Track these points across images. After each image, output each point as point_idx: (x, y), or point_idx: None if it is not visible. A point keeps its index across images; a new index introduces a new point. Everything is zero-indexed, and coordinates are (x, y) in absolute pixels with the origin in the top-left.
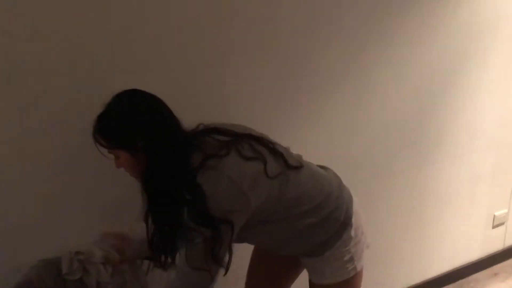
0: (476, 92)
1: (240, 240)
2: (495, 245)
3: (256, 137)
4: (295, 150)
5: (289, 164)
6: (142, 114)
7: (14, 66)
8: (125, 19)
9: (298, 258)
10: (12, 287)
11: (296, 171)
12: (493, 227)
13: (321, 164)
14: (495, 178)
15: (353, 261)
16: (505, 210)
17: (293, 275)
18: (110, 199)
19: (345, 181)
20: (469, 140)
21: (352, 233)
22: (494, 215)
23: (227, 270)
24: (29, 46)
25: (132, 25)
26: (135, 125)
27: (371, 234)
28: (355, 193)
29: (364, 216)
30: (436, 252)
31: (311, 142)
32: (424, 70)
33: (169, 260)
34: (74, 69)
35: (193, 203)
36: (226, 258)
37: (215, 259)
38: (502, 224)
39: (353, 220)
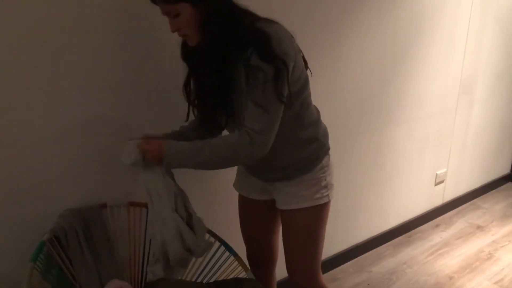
0: (424, 66)
1: None
2: (437, 200)
3: None
4: None
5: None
6: None
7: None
8: None
9: (276, 188)
10: (47, 233)
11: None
12: (435, 184)
13: None
14: (438, 140)
15: (327, 189)
16: (445, 170)
17: (277, 221)
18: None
19: None
20: (418, 107)
21: (330, 161)
22: (436, 174)
23: (291, 104)
24: None
25: None
26: None
27: (338, 189)
28: None
29: None
30: (391, 207)
31: None
32: (383, 46)
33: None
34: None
35: (258, 41)
36: (286, 92)
37: (278, 94)
38: (442, 182)
39: (330, 152)
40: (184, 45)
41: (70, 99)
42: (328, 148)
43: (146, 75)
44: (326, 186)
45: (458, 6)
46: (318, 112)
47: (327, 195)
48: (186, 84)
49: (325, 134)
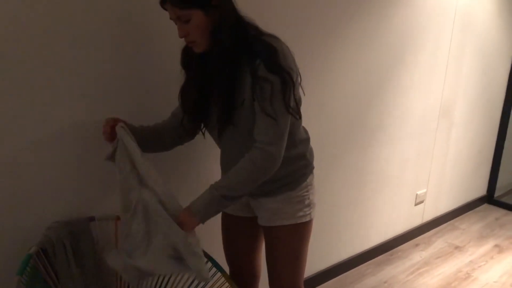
0: (406, 89)
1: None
2: (417, 220)
3: None
4: None
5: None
6: None
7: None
8: None
9: (260, 204)
10: (35, 245)
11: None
12: (415, 204)
13: None
14: (418, 161)
15: (310, 207)
16: (425, 190)
17: (260, 238)
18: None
19: None
20: (400, 129)
21: (313, 180)
22: (416, 194)
23: (297, 116)
24: None
25: None
26: None
27: (322, 207)
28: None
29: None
30: (373, 226)
31: None
32: (368, 68)
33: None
34: None
35: (265, 53)
36: (292, 103)
37: (285, 105)
38: (422, 202)
39: (314, 171)
40: (186, 52)
41: (52, 107)
42: (313, 167)
43: (138, 82)
44: (309, 205)
45: (439, 33)
46: (306, 131)
47: (310, 214)
48: (184, 91)
49: (312, 153)
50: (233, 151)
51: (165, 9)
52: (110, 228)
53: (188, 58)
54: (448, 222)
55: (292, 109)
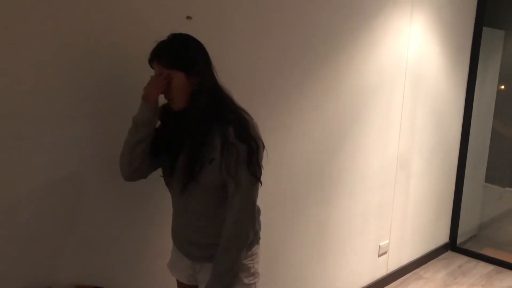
0: (364, 144)
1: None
2: (381, 271)
3: None
4: None
5: None
6: (199, 45)
7: None
8: None
9: (204, 269)
10: None
11: None
12: (379, 255)
13: None
14: (379, 213)
15: (255, 277)
16: (387, 241)
17: None
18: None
19: (265, 214)
20: (360, 182)
21: (259, 250)
22: (379, 245)
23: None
24: None
25: None
26: (195, 50)
27: (284, 262)
28: (270, 226)
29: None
30: (337, 279)
31: None
32: (326, 127)
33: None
34: None
35: (237, 122)
36: (257, 169)
37: (250, 170)
38: (385, 253)
39: (260, 242)
40: (165, 108)
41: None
42: (259, 238)
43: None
44: (254, 274)
45: (391, 92)
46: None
47: (254, 283)
48: (156, 140)
49: (260, 223)
50: (189, 207)
51: (152, 67)
52: None
53: (166, 114)
54: (413, 272)
55: (258, 174)
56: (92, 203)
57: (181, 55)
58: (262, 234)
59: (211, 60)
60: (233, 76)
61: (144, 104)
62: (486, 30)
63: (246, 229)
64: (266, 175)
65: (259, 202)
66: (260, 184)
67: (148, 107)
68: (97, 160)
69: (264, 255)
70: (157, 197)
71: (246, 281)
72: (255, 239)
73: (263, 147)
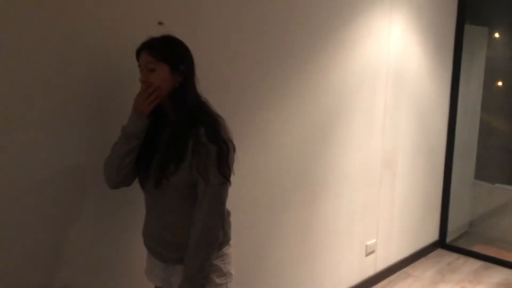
0: (346, 144)
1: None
2: (369, 271)
3: None
4: None
5: None
6: (189, 50)
7: None
8: None
9: (177, 272)
10: None
11: None
12: (366, 255)
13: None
14: (365, 212)
15: (226, 277)
16: (374, 240)
17: None
18: None
19: (247, 217)
20: (344, 182)
21: (230, 251)
22: (366, 245)
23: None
24: None
25: None
26: (183, 50)
27: (270, 265)
28: (256, 227)
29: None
30: (324, 280)
31: None
32: (308, 128)
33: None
34: None
35: (209, 124)
36: (227, 170)
37: (220, 170)
38: (373, 252)
39: (231, 243)
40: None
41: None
42: (229, 239)
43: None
44: (225, 274)
45: (373, 91)
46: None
47: (226, 283)
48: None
49: (229, 224)
50: (160, 204)
51: (138, 58)
52: None
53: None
54: (402, 270)
55: (226, 176)
56: (72, 205)
57: (171, 49)
58: (245, 236)
59: (195, 69)
60: (208, 77)
61: (135, 115)
62: (469, 28)
63: (215, 229)
64: (246, 177)
65: (240, 204)
66: (229, 185)
67: (140, 119)
68: (79, 163)
69: (246, 257)
70: (138, 200)
71: (218, 281)
72: (225, 240)
73: (234, 149)
